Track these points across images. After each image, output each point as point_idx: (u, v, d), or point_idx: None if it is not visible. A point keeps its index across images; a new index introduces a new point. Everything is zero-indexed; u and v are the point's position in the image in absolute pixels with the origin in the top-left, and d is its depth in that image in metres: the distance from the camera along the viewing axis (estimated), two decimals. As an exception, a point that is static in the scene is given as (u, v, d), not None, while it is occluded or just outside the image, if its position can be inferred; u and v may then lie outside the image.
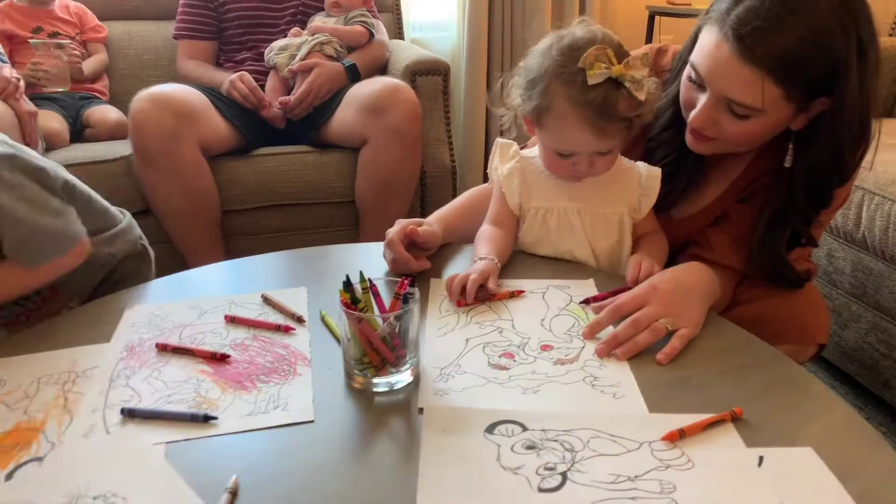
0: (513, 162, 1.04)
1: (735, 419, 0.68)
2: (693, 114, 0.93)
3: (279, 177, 1.76)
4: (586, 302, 0.91)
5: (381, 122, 1.69)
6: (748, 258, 1.02)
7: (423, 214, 1.08)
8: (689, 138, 0.98)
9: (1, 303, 0.96)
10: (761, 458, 0.63)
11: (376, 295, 0.75)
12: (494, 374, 0.76)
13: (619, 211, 1.01)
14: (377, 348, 0.71)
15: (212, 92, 1.79)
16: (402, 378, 0.73)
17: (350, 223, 1.84)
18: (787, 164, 0.95)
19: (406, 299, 0.71)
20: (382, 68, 2.03)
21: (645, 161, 1.07)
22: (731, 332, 0.85)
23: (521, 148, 1.11)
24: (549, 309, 0.91)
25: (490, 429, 0.67)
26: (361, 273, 0.75)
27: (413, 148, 1.74)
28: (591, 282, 0.97)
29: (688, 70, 0.94)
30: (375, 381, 0.72)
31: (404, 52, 2.01)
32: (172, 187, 1.59)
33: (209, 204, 1.66)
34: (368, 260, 1.01)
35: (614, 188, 1.01)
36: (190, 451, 0.65)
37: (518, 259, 1.04)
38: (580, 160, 0.94)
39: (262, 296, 0.92)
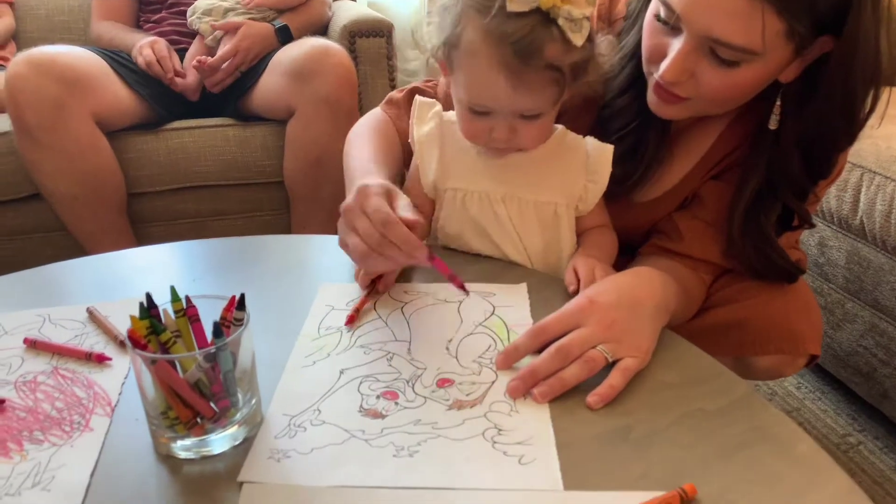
0: (432, 124, 0.82)
1: (685, 502, 0.48)
2: (665, 64, 0.71)
3: (195, 154, 1.53)
4: None
5: (309, 90, 1.46)
6: (727, 248, 0.83)
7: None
8: (652, 100, 0.77)
9: None
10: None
11: (194, 320, 0.54)
12: (363, 426, 0.56)
13: (555, 201, 0.80)
14: (186, 399, 0.50)
15: (117, 56, 1.55)
16: (226, 438, 0.52)
17: (280, 207, 1.62)
18: (773, 125, 0.76)
19: (218, 332, 0.49)
20: (322, 31, 1.80)
21: (597, 135, 0.86)
22: (691, 359, 0.65)
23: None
24: (461, 325, 0.70)
25: (331, 520, 0.47)
26: (174, 289, 0.54)
27: (348, 120, 1.49)
28: (523, 287, 0.77)
29: (654, 6, 0.72)
30: (184, 443, 0.52)
31: (346, 11, 1.77)
32: (60, 167, 1.36)
33: (109, 186, 1.43)
34: (284, 255, 0.80)
35: (552, 171, 0.80)
36: None
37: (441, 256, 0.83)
38: (498, 123, 0.72)
39: (88, 309, 0.71)
